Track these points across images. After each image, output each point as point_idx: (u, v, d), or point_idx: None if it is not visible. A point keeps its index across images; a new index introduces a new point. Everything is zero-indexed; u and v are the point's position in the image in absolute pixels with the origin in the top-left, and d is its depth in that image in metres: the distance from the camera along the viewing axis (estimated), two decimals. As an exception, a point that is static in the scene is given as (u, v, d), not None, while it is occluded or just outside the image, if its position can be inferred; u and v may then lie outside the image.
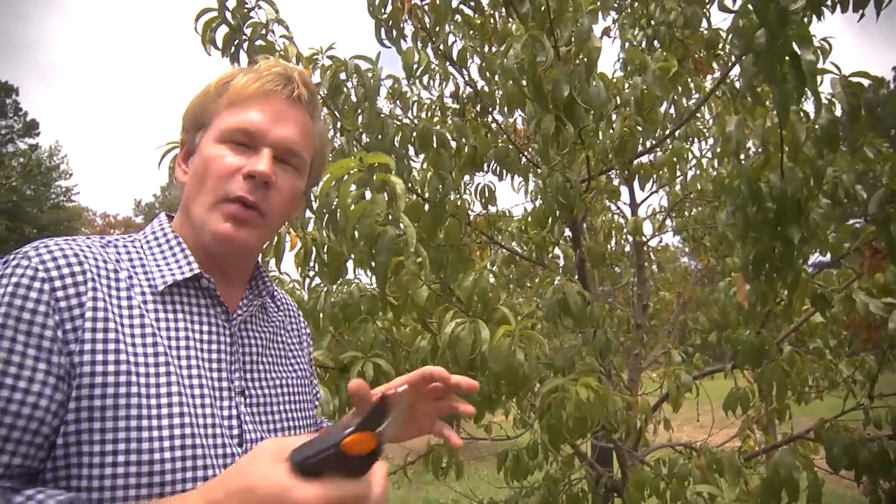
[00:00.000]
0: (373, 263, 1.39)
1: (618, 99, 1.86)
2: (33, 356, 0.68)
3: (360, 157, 1.35)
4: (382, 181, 1.39)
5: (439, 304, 1.76)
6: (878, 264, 1.81)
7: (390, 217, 1.38)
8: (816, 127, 1.40)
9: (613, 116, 1.91)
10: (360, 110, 1.95)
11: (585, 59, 1.45)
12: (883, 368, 2.29)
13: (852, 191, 1.95)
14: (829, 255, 2.04)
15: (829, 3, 1.40)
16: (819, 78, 1.47)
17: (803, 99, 1.40)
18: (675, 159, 2.49)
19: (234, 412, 0.80)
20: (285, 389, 0.90)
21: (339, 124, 1.97)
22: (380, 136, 1.92)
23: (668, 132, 2.25)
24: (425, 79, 3.33)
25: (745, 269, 1.73)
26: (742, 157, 1.73)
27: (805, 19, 1.31)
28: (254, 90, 0.82)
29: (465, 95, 2.65)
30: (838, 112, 1.42)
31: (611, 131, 1.94)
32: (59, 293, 0.71)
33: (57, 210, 30.54)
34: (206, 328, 0.81)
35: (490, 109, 2.41)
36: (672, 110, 2.24)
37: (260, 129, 0.82)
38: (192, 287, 0.82)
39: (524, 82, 1.45)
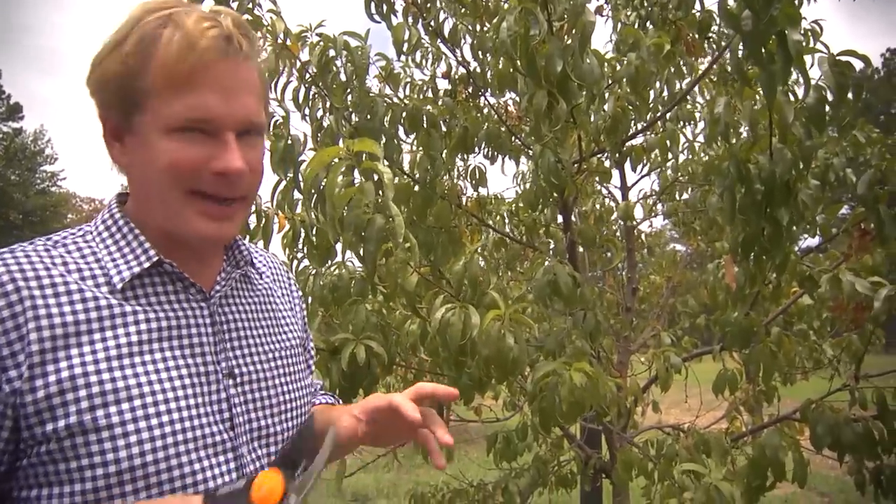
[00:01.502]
0: (361, 252, 1.38)
1: (610, 78, 1.85)
2: None
3: (347, 144, 1.32)
4: (370, 169, 1.37)
5: (429, 288, 1.76)
6: (865, 245, 1.82)
7: (378, 204, 1.36)
8: (804, 107, 1.39)
9: (606, 95, 1.90)
10: (349, 89, 1.93)
11: (579, 35, 1.43)
12: (869, 349, 2.32)
13: (842, 173, 1.95)
14: (817, 238, 2.05)
15: (820, -17, 1.40)
16: (809, 58, 1.47)
17: (791, 80, 1.39)
18: (667, 142, 2.48)
19: (224, 395, 0.78)
20: (278, 363, 0.87)
21: (328, 103, 1.94)
22: (369, 116, 1.89)
23: (659, 114, 2.23)
24: (417, 57, 3.31)
25: (734, 251, 1.74)
26: (732, 139, 1.73)
27: (795, 1, 1.30)
28: (193, 63, 0.70)
29: (457, 76, 2.62)
30: (827, 92, 1.42)
31: (603, 111, 1.92)
32: None
33: (43, 195, 30.17)
34: (179, 314, 0.77)
35: (482, 90, 2.39)
36: (664, 92, 2.23)
37: (218, 115, 0.72)
38: (156, 274, 0.78)
39: (517, 57, 1.43)
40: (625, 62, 1.74)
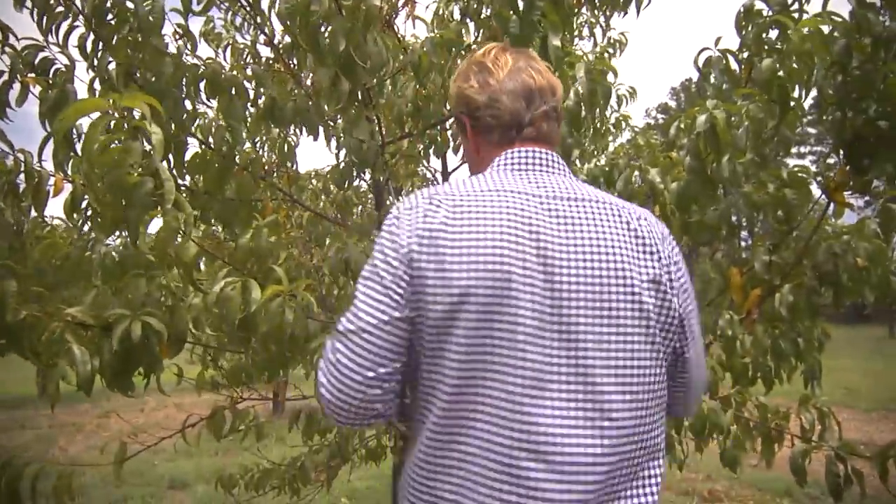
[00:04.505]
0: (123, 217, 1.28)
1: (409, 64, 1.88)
2: None
3: (114, 98, 1.22)
4: (136, 128, 1.28)
5: (212, 261, 1.69)
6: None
7: (146, 166, 1.28)
8: (566, 109, 1.54)
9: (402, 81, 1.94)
10: (130, 43, 1.76)
11: (362, 16, 1.44)
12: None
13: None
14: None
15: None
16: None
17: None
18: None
19: None
20: None
21: (98, 55, 1.76)
22: (153, 77, 1.76)
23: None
24: (237, 21, 3.12)
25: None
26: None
27: (556, 5, 1.43)
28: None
29: (280, 45, 2.52)
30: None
31: (402, 95, 1.97)
32: None
33: None
34: None
35: (291, 62, 2.33)
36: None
37: None
38: None
39: (296, 31, 1.41)
40: (410, 50, 1.79)
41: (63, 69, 1.93)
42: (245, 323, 1.59)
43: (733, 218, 1.85)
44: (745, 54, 1.70)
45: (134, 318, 1.71)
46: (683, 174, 1.81)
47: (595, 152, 2.85)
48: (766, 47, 1.63)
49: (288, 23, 1.55)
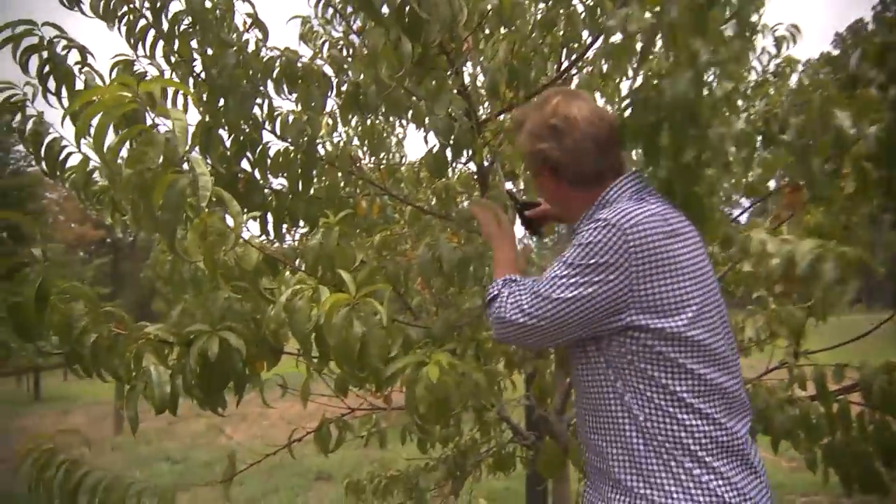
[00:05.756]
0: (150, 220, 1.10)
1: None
2: None
3: (126, 82, 1.04)
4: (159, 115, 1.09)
5: (273, 266, 1.51)
6: (796, 202, 1.56)
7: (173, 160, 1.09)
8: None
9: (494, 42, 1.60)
10: (195, 37, 1.63)
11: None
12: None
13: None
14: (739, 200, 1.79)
15: None
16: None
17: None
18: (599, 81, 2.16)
19: None
20: None
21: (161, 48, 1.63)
22: (215, 71, 1.60)
23: (574, 57, 1.92)
24: (328, 14, 2.97)
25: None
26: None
27: None
28: None
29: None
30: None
31: (493, 59, 1.64)
32: None
33: (18, 176, 29.47)
34: None
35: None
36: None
37: None
38: None
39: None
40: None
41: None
42: (318, 336, 1.39)
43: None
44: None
45: (212, 334, 1.58)
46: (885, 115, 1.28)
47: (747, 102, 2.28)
48: None
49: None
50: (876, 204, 1.81)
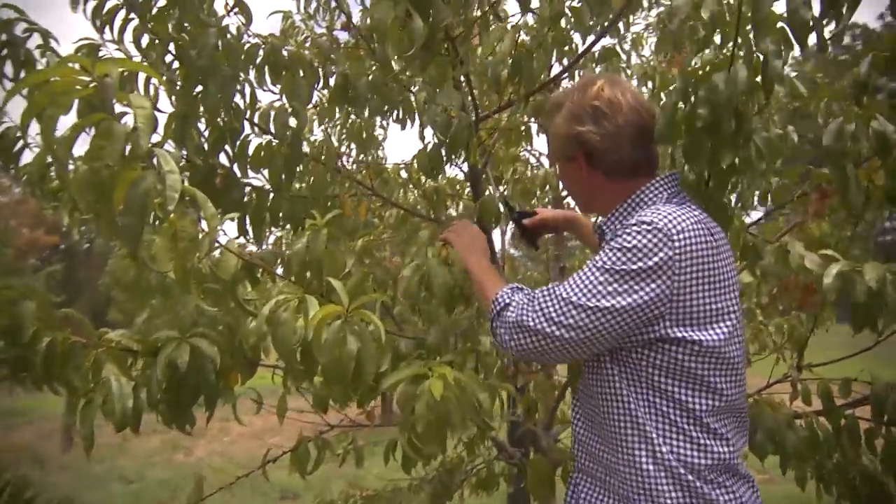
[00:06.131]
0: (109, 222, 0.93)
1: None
2: None
3: (83, 63, 0.88)
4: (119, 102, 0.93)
5: (252, 273, 1.36)
6: (822, 208, 1.49)
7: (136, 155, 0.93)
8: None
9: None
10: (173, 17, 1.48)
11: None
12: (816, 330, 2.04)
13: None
14: (768, 204, 1.71)
15: None
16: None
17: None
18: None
19: None
20: None
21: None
22: (194, 52, 1.45)
23: (579, 52, 1.82)
24: (311, 8, 2.84)
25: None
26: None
27: None
28: None
29: (361, 28, 2.19)
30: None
31: (496, 51, 1.53)
32: None
33: None
34: None
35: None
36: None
37: None
38: None
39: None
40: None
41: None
42: (305, 352, 1.24)
43: None
44: None
45: (181, 341, 1.42)
46: None
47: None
48: None
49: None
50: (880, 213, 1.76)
